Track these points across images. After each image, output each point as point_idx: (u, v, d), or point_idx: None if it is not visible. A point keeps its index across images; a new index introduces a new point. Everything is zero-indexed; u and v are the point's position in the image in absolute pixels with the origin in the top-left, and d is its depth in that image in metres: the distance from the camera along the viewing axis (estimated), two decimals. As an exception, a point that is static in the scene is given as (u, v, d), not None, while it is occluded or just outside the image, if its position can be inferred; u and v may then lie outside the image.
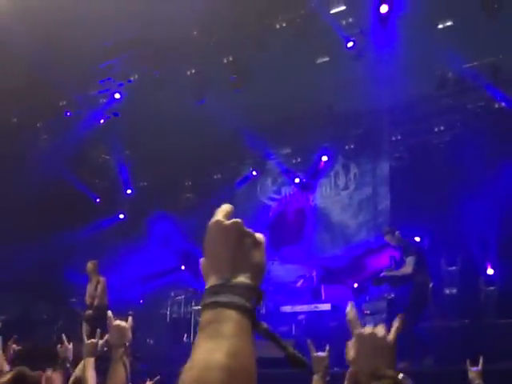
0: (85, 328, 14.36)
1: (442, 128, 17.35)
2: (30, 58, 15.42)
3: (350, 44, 13.76)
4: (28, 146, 18.24)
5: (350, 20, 13.59)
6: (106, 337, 5.24)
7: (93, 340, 5.66)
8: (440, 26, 13.15)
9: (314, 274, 17.31)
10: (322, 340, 14.29)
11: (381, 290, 15.82)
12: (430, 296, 12.97)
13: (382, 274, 13.39)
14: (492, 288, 14.87)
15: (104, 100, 17.52)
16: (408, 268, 12.39)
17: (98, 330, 5.89)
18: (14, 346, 7.88)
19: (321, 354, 5.03)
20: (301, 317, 15.83)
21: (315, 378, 4.92)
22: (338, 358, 11.25)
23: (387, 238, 13.53)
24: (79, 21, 14.42)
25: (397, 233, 13.28)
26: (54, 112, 18.26)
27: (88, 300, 14.60)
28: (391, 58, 14.25)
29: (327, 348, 5.02)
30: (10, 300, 18.57)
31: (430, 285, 12.91)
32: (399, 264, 13.13)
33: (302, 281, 16.99)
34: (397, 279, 12.92)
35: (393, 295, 14.79)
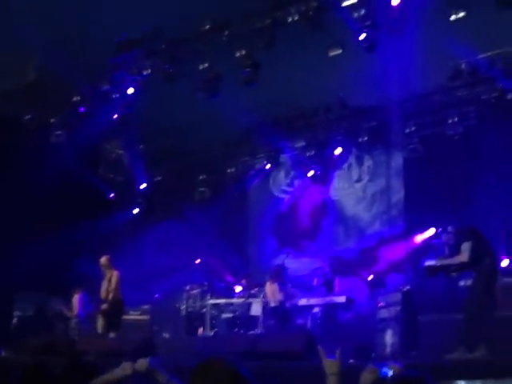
0: (100, 322, 14.44)
1: (456, 119, 17.22)
2: (43, 53, 15.46)
3: (363, 36, 13.68)
4: (42, 141, 18.29)
5: (362, 12, 13.52)
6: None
7: None
8: (453, 17, 13.05)
9: (328, 266, 17.30)
10: (337, 332, 14.33)
11: (396, 282, 15.81)
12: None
13: (434, 263, 12.66)
14: (509, 279, 14.67)
15: (117, 95, 17.55)
16: (464, 255, 11.57)
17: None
18: None
19: (331, 359, 4.98)
20: (316, 309, 15.82)
21: (329, 380, 4.88)
22: (354, 350, 11.26)
23: (445, 239, 13.10)
24: (91, 15, 14.47)
25: (449, 228, 12.91)
26: (67, 107, 18.31)
27: (102, 294, 14.63)
28: (404, 50, 14.20)
29: (338, 352, 4.97)
30: (25, 296, 18.65)
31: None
32: (452, 251, 12.53)
33: (316, 280, 16.93)
34: (453, 268, 12.18)
35: (408, 287, 14.75)
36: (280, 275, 16.74)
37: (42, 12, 14.56)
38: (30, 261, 16.44)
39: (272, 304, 16.24)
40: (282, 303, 16.10)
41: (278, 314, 15.94)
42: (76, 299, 17.42)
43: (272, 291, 16.42)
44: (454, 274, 12.24)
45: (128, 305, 16.36)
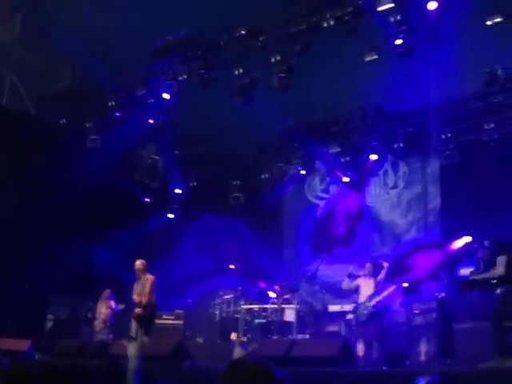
0: (133, 326, 14.46)
1: (492, 125, 17.08)
2: (77, 59, 15.58)
3: (399, 41, 13.60)
4: (78, 146, 18.41)
5: (398, 17, 13.44)
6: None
7: None
8: (489, 23, 12.94)
9: (361, 273, 17.12)
10: (371, 339, 14.20)
11: (431, 290, 15.66)
12: None
13: (470, 278, 12.52)
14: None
15: (152, 100, 17.64)
16: (499, 269, 11.52)
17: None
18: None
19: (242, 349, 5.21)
20: (349, 316, 15.70)
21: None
22: (388, 357, 11.17)
23: (481, 254, 13.04)
24: (126, 22, 14.56)
25: (485, 243, 12.81)
26: (103, 113, 18.43)
27: (136, 298, 14.63)
28: (440, 55, 14.10)
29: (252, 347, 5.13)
30: (58, 299, 18.81)
31: None
32: (488, 266, 12.40)
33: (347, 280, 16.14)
34: (489, 283, 11.98)
35: (443, 294, 14.63)
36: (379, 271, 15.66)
37: (77, 18, 14.68)
38: (63, 264, 16.55)
39: (362, 300, 14.81)
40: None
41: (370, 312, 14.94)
42: (103, 302, 17.44)
43: (367, 286, 14.90)
44: (489, 289, 12.04)
45: (161, 309, 16.40)
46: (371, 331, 13.95)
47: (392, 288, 14.60)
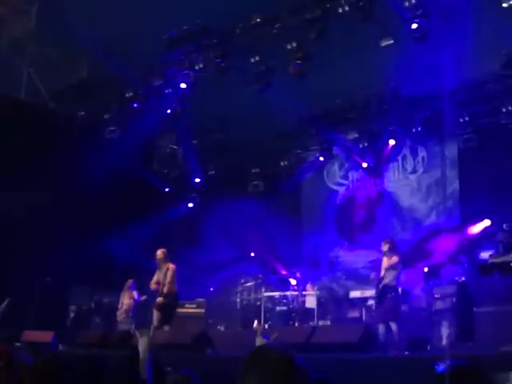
0: (155, 315, 14.53)
1: (510, 108, 16.93)
2: (94, 51, 15.63)
3: (415, 26, 13.57)
4: (96, 138, 18.49)
5: (414, 1, 13.42)
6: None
7: None
8: (505, 5, 12.85)
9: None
10: (385, 320, 14.14)
11: (452, 274, 15.64)
12: None
13: (488, 262, 12.50)
14: None
15: (170, 90, 17.68)
16: None
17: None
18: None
19: (265, 339, 5.43)
20: (370, 302, 15.69)
21: None
22: (409, 341, 11.13)
23: (500, 237, 13.00)
24: (141, 12, 14.59)
25: (504, 226, 12.74)
26: (120, 104, 18.49)
27: (155, 286, 14.69)
28: (456, 39, 14.03)
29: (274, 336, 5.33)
30: (80, 291, 18.91)
31: None
32: (507, 249, 12.39)
33: (374, 274, 15.86)
34: (508, 265, 11.94)
35: (463, 278, 14.60)
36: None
37: (93, 10, 14.73)
38: (84, 256, 16.64)
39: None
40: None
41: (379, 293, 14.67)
42: (126, 293, 17.51)
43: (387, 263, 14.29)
44: (509, 272, 12.03)
45: (183, 298, 16.47)
46: (383, 312, 13.86)
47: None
